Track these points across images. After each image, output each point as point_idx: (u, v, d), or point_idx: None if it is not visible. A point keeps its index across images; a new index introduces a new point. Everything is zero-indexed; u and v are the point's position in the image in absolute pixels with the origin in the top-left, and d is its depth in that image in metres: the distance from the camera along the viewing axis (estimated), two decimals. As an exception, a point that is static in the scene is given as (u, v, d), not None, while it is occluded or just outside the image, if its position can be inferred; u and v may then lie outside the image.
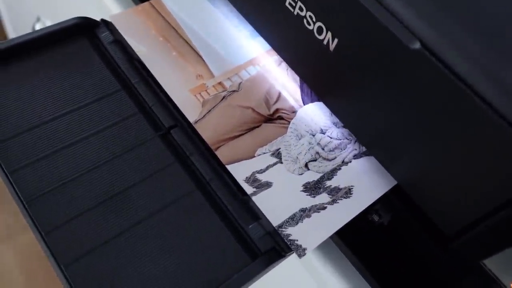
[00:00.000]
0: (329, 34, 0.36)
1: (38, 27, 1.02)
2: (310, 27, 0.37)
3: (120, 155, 0.39)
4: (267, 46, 0.48)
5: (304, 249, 0.37)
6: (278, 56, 0.47)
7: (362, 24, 0.33)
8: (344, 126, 0.42)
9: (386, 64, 0.33)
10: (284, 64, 0.47)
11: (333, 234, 0.38)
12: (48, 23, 1.00)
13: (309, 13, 0.37)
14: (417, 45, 0.30)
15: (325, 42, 0.37)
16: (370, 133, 0.39)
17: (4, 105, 0.41)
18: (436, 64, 0.29)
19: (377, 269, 0.43)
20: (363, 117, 0.38)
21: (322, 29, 0.36)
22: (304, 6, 0.37)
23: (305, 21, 0.38)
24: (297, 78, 0.46)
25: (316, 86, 0.42)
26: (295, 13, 0.38)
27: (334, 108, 0.42)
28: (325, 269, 0.47)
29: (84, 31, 0.46)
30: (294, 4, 0.38)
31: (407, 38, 0.30)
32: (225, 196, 0.39)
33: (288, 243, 0.37)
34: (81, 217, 0.36)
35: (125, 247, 0.35)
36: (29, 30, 1.06)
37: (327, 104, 0.42)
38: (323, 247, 0.48)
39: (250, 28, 0.48)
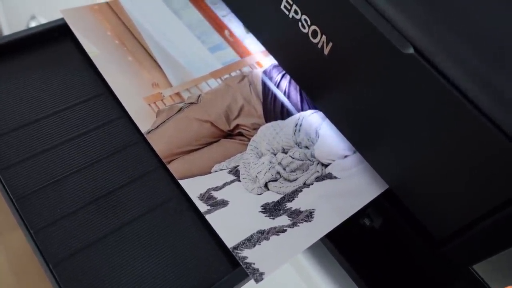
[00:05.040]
0: (324, 37, 0.35)
1: (33, 25, 0.97)
2: (305, 31, 0.36)
3: (107, 157, 0.39)
4: (229, 59, 0.46)
5: (262, 274, 0.33)
6: (240, 71, 0.45)
7: (356, 29, 0.32)
8: (338, 129, 0.41)
9: (379, 68, 0.32)
10: (246, 79, 0.45)
11: (323, 237, 0.36)
12: (43, 21, 0.96)
13: (304, 16, 0.36)
14: (410, 50, 0.29)
15: (319, 45, 0.36)
16: (362, 136, 0.38)
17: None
18: (428, 69, 0.29)
19: (366, 272, 0.41)
20: (355, 120, 0.37)
21: (317, 32, 0.36)
22: (299, 9, 0.36)
23: (300, 24, 0.37)
24: (260, 94, 0.44)
25: (309, 89, 0.41)
26: (290, 16, 0.37)
27: (327, 111, 0.40)
28: (315, 272, 0.45)
29: (69, 32, 0.44)
30: (289, 7, 0.37)
31: (400, 42, 0.30)
32: None
33: (244, 266, 0.33)
34: (70, 216, 0.35)
35: (112, 248, 0.34)
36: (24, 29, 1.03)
37: (319, 106, 0.41)
38: (313, 249, 0.46)
39: (213, 40, 0.46)
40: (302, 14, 0.36)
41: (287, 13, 0.38)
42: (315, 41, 0.36)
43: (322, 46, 0.36)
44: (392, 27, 0.30)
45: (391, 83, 0.32)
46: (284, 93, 0.44)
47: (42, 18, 0.98)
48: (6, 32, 1.42)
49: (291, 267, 0.47)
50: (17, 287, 1.19)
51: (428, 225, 0.36)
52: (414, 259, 0.41)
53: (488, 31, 0.29)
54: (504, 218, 0.30)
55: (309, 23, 0.36)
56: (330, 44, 0.35)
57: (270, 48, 0.43)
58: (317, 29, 0.36)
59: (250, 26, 0.44)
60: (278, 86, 0.44)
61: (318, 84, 0.39)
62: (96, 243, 0.34)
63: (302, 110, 0.44)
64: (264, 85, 0.44)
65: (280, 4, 0.38)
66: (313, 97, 0.41)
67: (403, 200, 0.37)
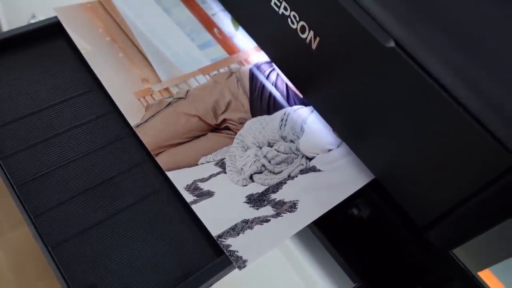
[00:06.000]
0: (311, 33, 0.37)
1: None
2: (294, 26, 0.38)
3: (98, 149, 0.40)
4: (218, 56, 0.47)
5: (245, 261, 0.34)
6: (229, 67, 0.46)
7: (341, 24, 0.34)
8: (326, 121, 0.42)
9: (364, 62, 0.34)
10: (234, 76, 0.46)
11: (315, 228, 0.37)
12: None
13: (293, 13, 0.38)
14: (391, 44, 0.31)
15: (307, 40, 0.37)
16: (349, 128, 0.39)
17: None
18: (408, 62, 0.30)
19: (353, 258, 0.44)
20: (343, 112, 0.38)
21: (305, 28, 0.37)
22: (289, 6, 0.38)
23: (289, 20, 0.38)
24: (248, 90, 0.45)
25: (299, 83, 0.42)
26: (280, 12, 0.39)
27: (316, 104, 0.42)
28: (302, 256, 0.46)
29: (62, 30, 0.45)
30: (279, 4, 0.39)
31: (382, 37, 0.31)
32: None
33: (228, 254, 0.34)
34: (68, 202, 0.37)
35: (100, 238, 0.36)
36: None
37: (308, 99, 0.43)
38: (301, 235, 0.47)
39: (203, 37, 0.48)
40: (291, 11, 0.38)
41: (277, 9, 0.39)
42: (304, 36, 0.38)
43: (310, 41, 0.37)
44: (375, 22, 0.32)
45: (375, 76, 0.33)
46: (272, 88, 0.45)
47: (43, 17, 0.98)
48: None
49: (280, 252, 0.48)
50: (17, 286, 1.20)
51: (412, 212, 0.37)
52: (399, 245, 0.42)
53: (467, 26, 0.30)
54: (477, 205, 0.31)
55: (297, 19, 0.38)
56: (318, 39, 0.37)
57: (261, 43, 0.44)
58: (305, 24, 0.37)
59: (242, 22, 0.45)
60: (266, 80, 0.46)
61: (307, 78, 0.41)
62: (92, 228, 0.36)
63: (289, 105, 0.45)
64: (252, 81, 0.46)
65: (271, 1, 0.39)
66: (302, 90, 0.42)
67: (389, 189, 0.38)
